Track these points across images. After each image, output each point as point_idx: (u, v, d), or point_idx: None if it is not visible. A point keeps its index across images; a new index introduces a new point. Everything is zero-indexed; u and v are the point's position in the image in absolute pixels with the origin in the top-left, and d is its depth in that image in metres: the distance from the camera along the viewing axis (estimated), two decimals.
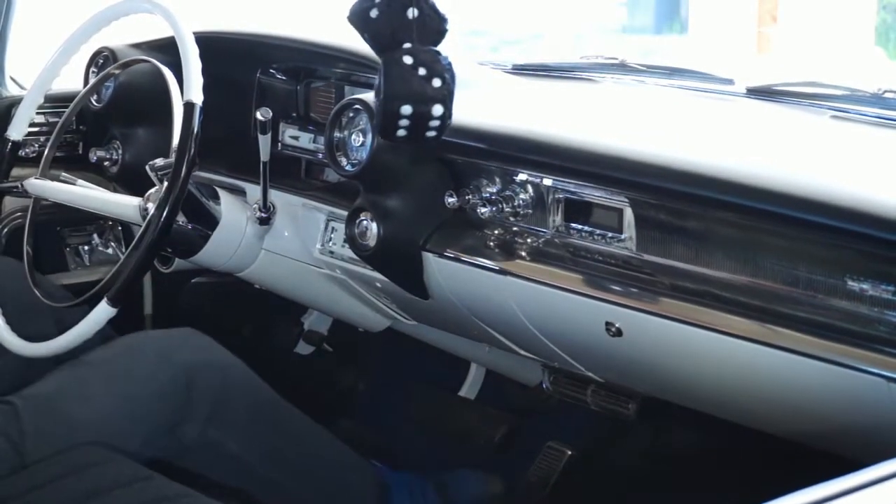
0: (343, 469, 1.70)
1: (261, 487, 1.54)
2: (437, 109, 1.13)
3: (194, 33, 1.65)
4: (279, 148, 1.92)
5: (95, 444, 1.34)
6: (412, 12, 1.11)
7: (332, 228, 1.78)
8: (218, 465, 1.49)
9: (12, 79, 2.23)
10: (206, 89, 1.60)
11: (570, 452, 2.00)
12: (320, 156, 1.86)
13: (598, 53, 2.04)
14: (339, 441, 1.73)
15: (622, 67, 1.95)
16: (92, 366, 1.44)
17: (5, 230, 2.11)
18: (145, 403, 1.42)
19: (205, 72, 1.61)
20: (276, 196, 1.79)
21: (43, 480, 1.26)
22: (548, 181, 1.44)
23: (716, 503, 1.50)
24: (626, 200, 1.35)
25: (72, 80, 2.03)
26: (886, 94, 1.61)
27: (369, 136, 1.59)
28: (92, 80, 2.02)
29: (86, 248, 2.25)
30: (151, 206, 1.61)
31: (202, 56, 1.62)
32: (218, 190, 1.78)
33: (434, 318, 1.81)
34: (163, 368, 1.45)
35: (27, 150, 2.04)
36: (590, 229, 1.41)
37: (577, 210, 1.42)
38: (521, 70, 1.96)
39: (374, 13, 1.12)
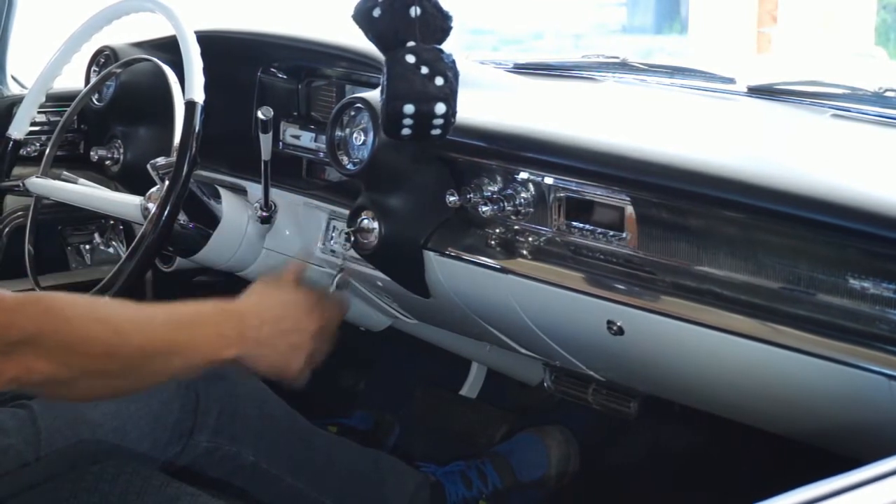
0: (382, 476, 1.70)
1: (292, 501, 1.55)
2: (440, 108, 1.13)
3: (196, 32, 1.66)
4: (280, 147, 1.93)
5: (98, 442, 1.35)
6: (415, 11, 1.12)
7: (334, 227, 1.78)
8: (235, 474, 1.50)
9: (14, 78, 2.24)
10: (208, 88, 1.60)
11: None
12: (321, 155, 1.86)
13: (599, 53, 2.04)
14: (370, 450, 1.74)
15: (623, 66, 1.95)
16: None
17: (7, 229, 2.11)
18: (156, 408, 1.43)
19: (206, 71, 1.61)
20: (277, 195, 1.79)
21: (44, 477, 1.26)
22: (549, 180, 1.44)
23: (717, 501, 1.50)
24: (628, 199, 1.35)
25: (73, 78, 2.03)
26: (887, 93, 1.62)
27: (371, 135, 1.59)
28: (93, 79, 2.03)
29: (87, 247, 2.26)
30: (153, 205, 1.62)
31: (203, 55, 1.63)
32: (219, 189, 1.78)
33: (435, 316, 1.81)
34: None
35: (28, 149, 2.04)
36: (591, 228, 1.41)
37: (579, 208, 1.42)
38: (522, 69, 1.97)
39: (376, 12, 1.13)
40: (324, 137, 1.71)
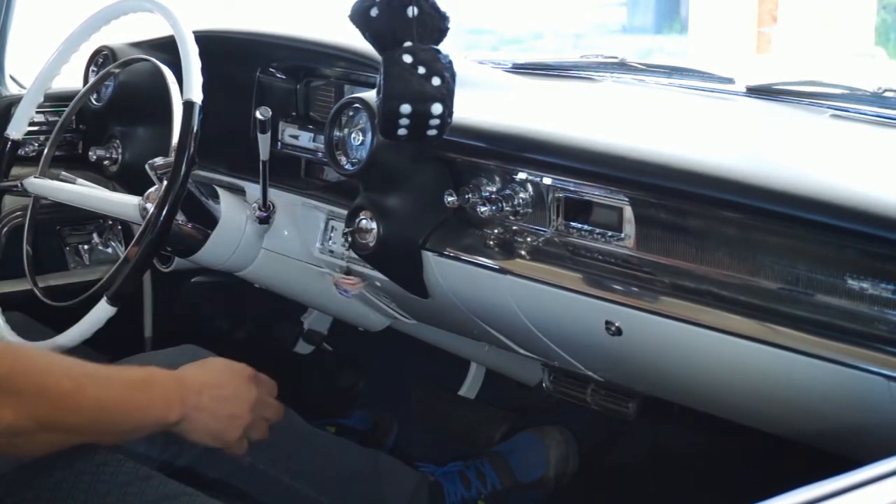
0: (380, 477, 1.69)
1: (290, 501, 1.55)
2: (437, 108, 1.13)
3: (194, 32, 1.65)
4: (279, 147, 1.93)
5: (96, 442, 1.34)
6: (412, 11, 1.12)
7: (332, 227, 1.78)
8: (233, 475, 1.49)
9: (12, 77, 2.23)
10: (206, 88, 1.60)
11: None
12: (320, 155, 1.86)
13: (598, 52, 2.04)
14: (369, 450, 1.73)
15: (622, 66, 1.95)
16: None
17: (5, 229, 2.11)
18: None
19: (204, 71, 1.61)
20: (275, 195, 1.79)
21: (42, 479, 1.26)
22: (548, 180, 1.44)
23: (716, 501, 1.50)
24: (626, 199, 1.35)
25: (72, 78, 2.03)
26: (886, 93, 1.61)
27: (369, 135, 1.59)
28: (92, 79, 2.03)
29: (85, 247, 2.26)
30: (151, 206, 1.61)
31: (202, 55, 1.62)
32: (217, 189, 1.78)
33: (434, 317, 1.81)
34: None
35: (27, 149, 2.03)
36: (590, 228, 1.41)
37: (577, 209, 1.42)
38: (521, 69, 1.97)
39: (374, 12, 1.13)
40: (322, 137, 1.71)
